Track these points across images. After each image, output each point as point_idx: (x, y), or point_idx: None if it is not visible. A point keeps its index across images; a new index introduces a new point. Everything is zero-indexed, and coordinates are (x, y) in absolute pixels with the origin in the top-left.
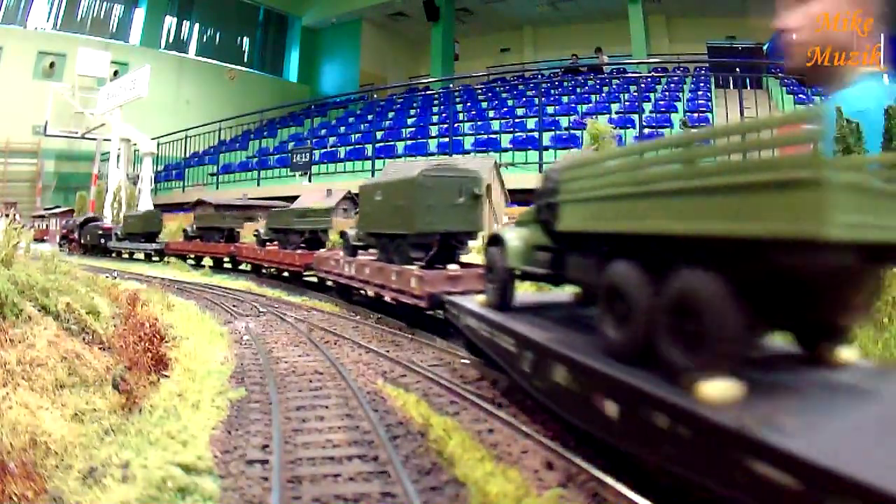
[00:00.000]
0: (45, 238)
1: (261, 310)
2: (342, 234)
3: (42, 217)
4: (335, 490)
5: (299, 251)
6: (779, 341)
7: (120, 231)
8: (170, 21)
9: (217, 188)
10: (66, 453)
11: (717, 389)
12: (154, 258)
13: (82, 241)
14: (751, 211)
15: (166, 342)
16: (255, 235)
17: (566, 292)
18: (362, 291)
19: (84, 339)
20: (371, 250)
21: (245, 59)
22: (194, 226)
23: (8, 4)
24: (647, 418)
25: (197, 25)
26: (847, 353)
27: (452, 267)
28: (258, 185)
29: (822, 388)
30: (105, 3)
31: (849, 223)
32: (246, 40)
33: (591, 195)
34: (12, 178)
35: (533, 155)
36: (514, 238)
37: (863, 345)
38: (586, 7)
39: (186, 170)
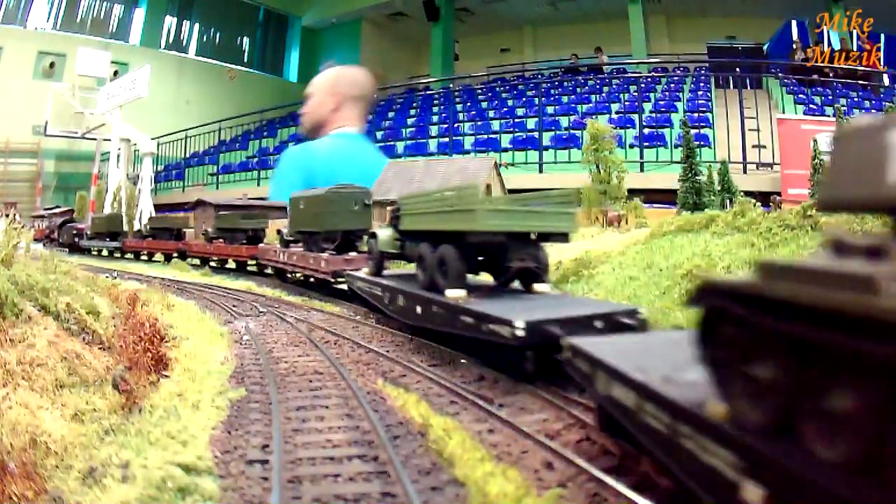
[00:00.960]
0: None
1: (261, 310)
2: (278, 232)
3: (42, 217)
4: (335, 490)
5: (244, 246)
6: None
7: (89, 231)
8: (170, 21)
9: (217, 188)
10: (66, 453)
11: (454, 294)
12: (115, 254)
13: (60, 241)
14: (460, 219)
15: (166, 342)
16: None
17: (412, 269)
18: (291, 273)
19: (84, 339)
20: (298, 243)
21: (245, 59)
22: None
23: (8, 4)
24: (430, 310)
25: (197, 25)
26: (540, 287)
27: (351, 254)
28: (258, 185)
29: (507, 298)
30: (105, 3)
31: (490, 222)
32: (246, 40)
33: (412, 212)
34: (12, 178)
35: (533, 155)
36: (382, 234)
37: None
38: (586, 7)
39: (186, 170)
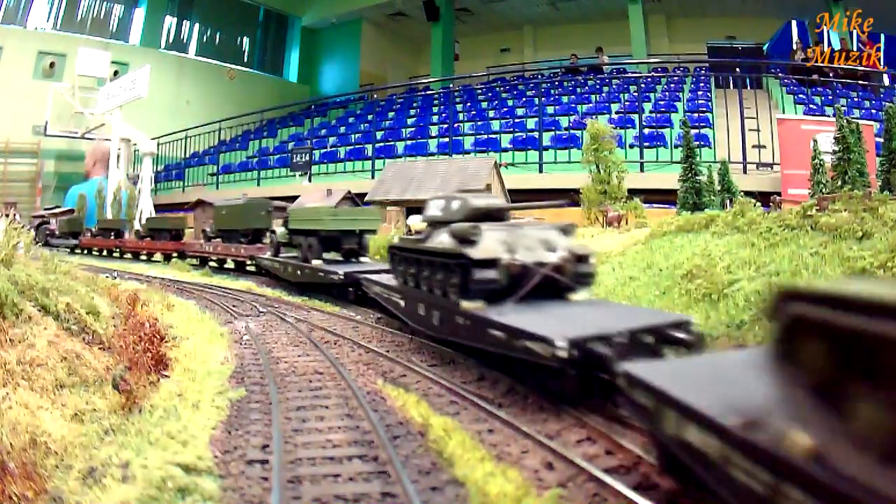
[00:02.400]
0: None
1: (261, 310)
2: (203, 231)
3: (42, 217)
4: (335, 490)
5: (171, 242)
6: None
7: (58, 231)
8: (170, 21)
9: (217, 188)
10: (66, 453)
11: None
12: (76, 250)
13: (36, 240)
14: (317, 223)
15: (166, 342)
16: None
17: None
18: (211, 260)
19: (84, 339)
20: (218, 238)
21: (245, 59)
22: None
23: (8, 4)
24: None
25: (197, 25)
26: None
27: (259, 244)
28: (258, 185)
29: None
30: (105, 3)
31: (330, 225)
32: (246, 40)
33: (295, 219)
34: (12, 178)
35: (533, 155)
36: (280, 230)
37: None
38: (586, 7)
39: (186, 170)
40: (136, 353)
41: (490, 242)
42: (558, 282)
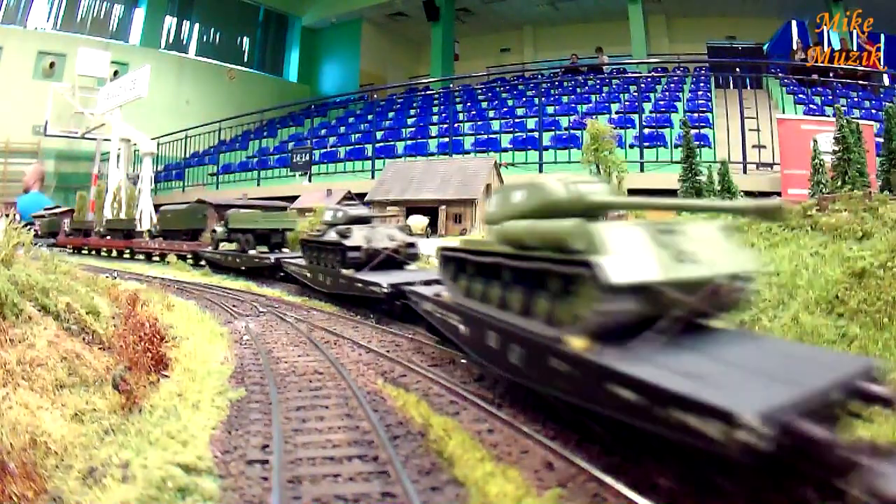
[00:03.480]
0: None
1: (261, 310)
2: (149, 231)
3: (42, 217)
4: (335, 490)
5: (121, 240)
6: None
7: (40, 231)
8: (170, 21)
9: (217, 188)
10: (66, 453)
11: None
12: (112, 253)
13: None
14: (253, 223)
15: (166, 342)
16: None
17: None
18: (156, 256)
19: (84, 339)
20: (161, 237)
21: (245, 59)
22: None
23: (8, 4)
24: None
25: (197, 25)
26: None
27: (198, 241)
28: (258, 184)
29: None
30: (105, 3)
31: (261, 224)
32: (246, 40)
33: (234, 219)
34: (12, 178)
35: (533, 155)
36: (220, 229)
37: (863, 345)
38: (586, 7)
39: (186, 170)
40: (136, 353)
41: (357, 237)
42: (395, 259)
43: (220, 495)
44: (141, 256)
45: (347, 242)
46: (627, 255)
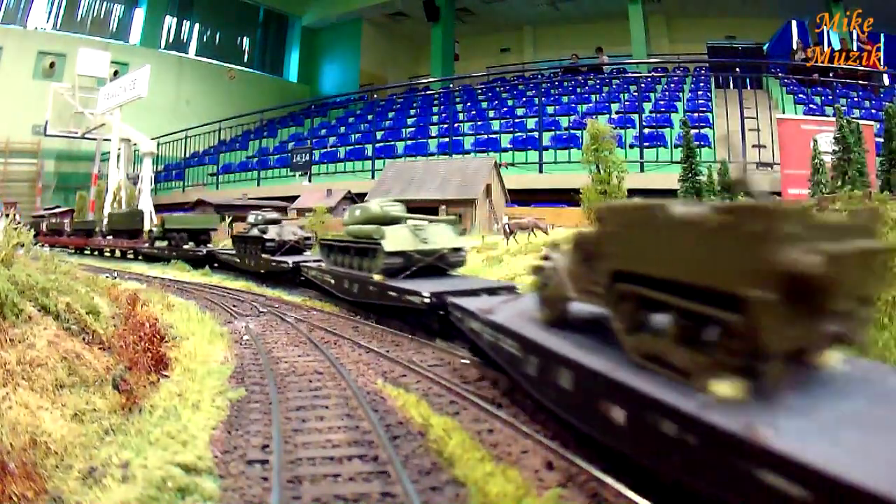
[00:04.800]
0: None
1: (261, 310)
2: (102, 231)
3: (42, 217)
4: (335, 490)
5: (81, 238)
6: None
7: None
8: (170, 21)
9: (217, 188)
10: (66, 453)
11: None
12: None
13: None
14: (197, 225)
15: (166, 342)
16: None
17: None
18: (107, 252)
19: (84, 339)
20: (110, 236)
21: (245, 59)
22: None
23: (8, 4)
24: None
25: (197, 25)
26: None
27: (136, 240)
28: (258, 185)
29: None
30: (105, 3)
31: (191, 226)
32: (246, 40)
33: (172, 221)
34: (12, 178)
35: (533, 155)
36: (156, 230)
37: (863, 345)
38: (586, 7)
39: (186, 170)
40: (136, 353)
41: (272, 231)
42: (298, 247)
43: (220, 495)
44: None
45: (266, 236)
46: (395, 239)
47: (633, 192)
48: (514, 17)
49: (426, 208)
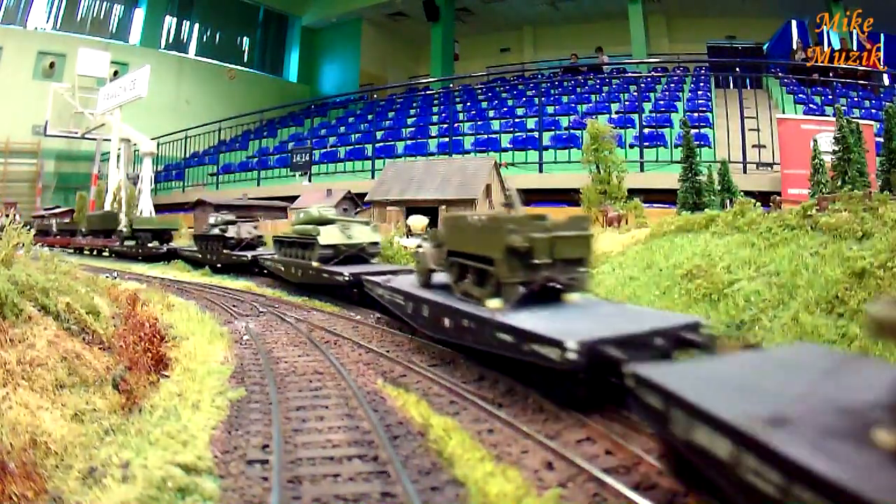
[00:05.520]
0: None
1: (261, 310)
2: (80, 230)
3: (42, 217)
4: (335, 490)
5: (67, 238)
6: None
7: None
8: (170, 21)
9: (217, 188)
10: (66, 453)
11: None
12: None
13: None
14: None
15: (166, 342)
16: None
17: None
18: (85, 250)
19: (84, 339)
20: (90, 236)
21: (245, 59)
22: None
23: (8, 4)
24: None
25: (197, 25)
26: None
27: (109, 239)
28: (258, 185)
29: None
30: (105, 3)
31: (155, 227)
32: (246, 40)
33: (139, 222)
34: (12, 178)
35: (533, 155)
36: (125, 229)
37: (863, 345)
38: (586, 7)
39: (186, 170)
40: (136, 353)
41: (232, 231)
42: (252, 244)
43: (220, 495)
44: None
45: (227, 234)
46: (328, 235)
47: (633, 192)
48: (514, 17)
49: (426, 208)
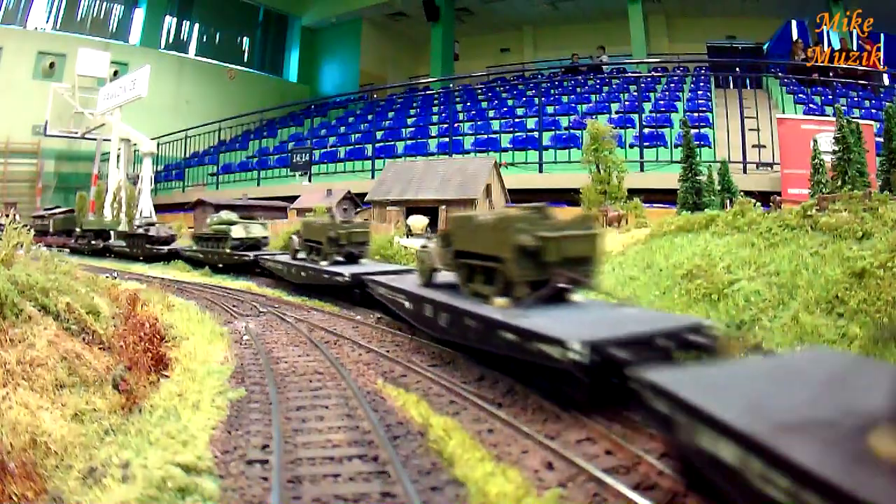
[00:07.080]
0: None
1: (261, 310)
2: (62, 231)
3: (42, 217)
4: (335, 490)
5: (54, 238)
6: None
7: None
8: (170, 21)
9: (217, 188)
10: (66, 453)
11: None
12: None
13: None
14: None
15: (166, 342)
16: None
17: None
18: (50, 247)
19: (84, 339)
20: (56, 235)
21: (245, 59)
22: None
23: (8, 4)
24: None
25: (197, 25)
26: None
27: (67, 238)
28: (258, 185)
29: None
30: (105, 3)
31: (103, 227)
32: (246, 40)
33: (89, 223)
34: (12, 178)
35: (533, 155)
36: (79, 230)
37: (863, 345)
38: (586, 7)
39: (186, 170)
40: (136, 353)
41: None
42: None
43: (220, 495)
44: (73, 252)
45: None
46: (236, 231)
47: (633, 192)
48: (514, 17)
49: (426, 208)
